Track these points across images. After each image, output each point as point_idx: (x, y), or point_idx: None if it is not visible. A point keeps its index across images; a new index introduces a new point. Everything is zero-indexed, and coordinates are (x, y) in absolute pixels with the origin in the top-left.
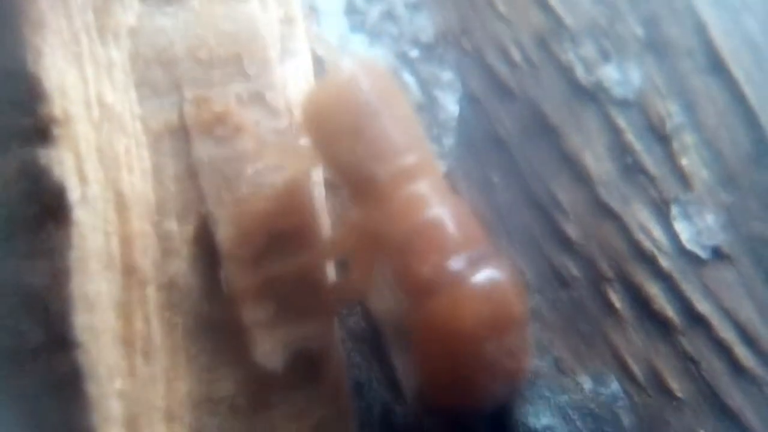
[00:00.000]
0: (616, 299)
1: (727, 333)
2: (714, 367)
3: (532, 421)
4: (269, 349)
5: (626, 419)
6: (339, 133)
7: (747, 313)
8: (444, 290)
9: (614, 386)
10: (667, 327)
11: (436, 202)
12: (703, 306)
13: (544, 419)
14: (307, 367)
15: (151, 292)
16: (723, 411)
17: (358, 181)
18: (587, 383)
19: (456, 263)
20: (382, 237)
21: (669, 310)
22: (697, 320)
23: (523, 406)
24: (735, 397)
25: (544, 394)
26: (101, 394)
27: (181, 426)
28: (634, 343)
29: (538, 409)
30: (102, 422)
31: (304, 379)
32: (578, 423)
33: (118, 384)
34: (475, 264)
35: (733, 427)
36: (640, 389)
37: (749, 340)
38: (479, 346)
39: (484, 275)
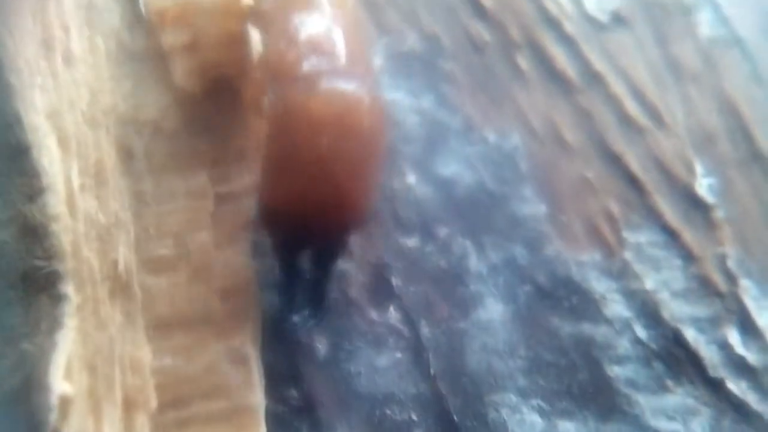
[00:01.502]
0: (523, 62)
1: (619, 89)
2: (605, 119)
3: (441, 170)
4: (188, 71)
5: (524, 165)
6: None
7: (638, 71)
8: (298, 84)
9: (515, 139)
10: (567, 86)
11: (326, 8)
12: (600, 66)
13: (452, 167)
14: (227, 96)
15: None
16: (608, 156)
17: None
18: (492, 137)
19: (320, 62)
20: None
21: (570, 70)
22: (594, 78)
23: (432, 158)
24: (620, 143)
25: (453, 147)
26: (23, 84)
27: (107, 135)
28: (536, 101)
29: (447, 159)
30: (26, 110)
31: (224, 107)
32: (481, 170)
33: (39, 80)
34: (339, 74)
35: (615, 168)
36: (539, 141)
37: (638, 94)
38: (317, 148)
39: (344, 85)
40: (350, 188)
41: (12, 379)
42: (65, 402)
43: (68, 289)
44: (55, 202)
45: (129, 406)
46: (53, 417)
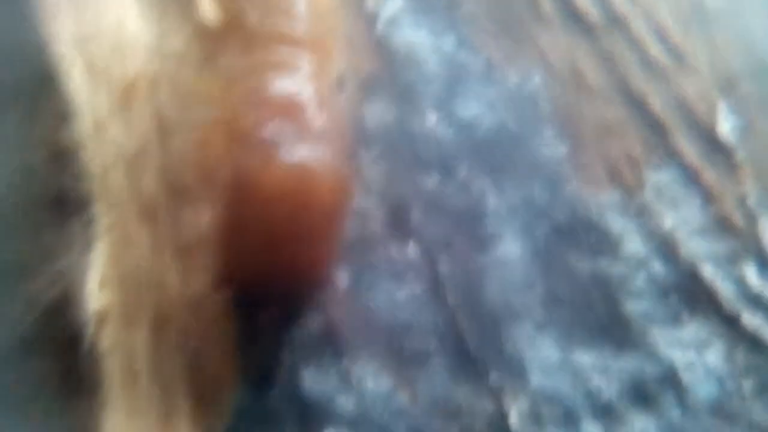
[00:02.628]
0: (546, 4)
1: (642, 30)
2: (628, 61)
3: (461, 110)
4: (211, 4)
5: (545, 107)
6: None
7: (662, 12)
8: (255, 151)
9: (537, 80)
10: (590, 27)
11: (298, 75)
12: (623, 7)
13: (472, 108)
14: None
15: None
16: (630, 97)
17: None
18: (513, 78)
19: (282, 128)
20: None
21: (593, 11)
22: (617, 20)
23: (452, 99)
24: (642, 85)
25: (474, 88)
26: (50, 12)
27: (132, 63)
28: (558, 43)
29: (467, 100)
30: (53, 38)
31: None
32: (502, 111)
33: (65, 8)
34: (302, 142)
35: (637, 109)
36: (560, 82)
37: (661, 36)
38: (268, 221)
39: (306, 154)
40: (301, 260)
41: (50, 293)
42: (100, 316)
43: (98, 211)
44: (83, 128)
45: (159, 323)
46: (90, 329)
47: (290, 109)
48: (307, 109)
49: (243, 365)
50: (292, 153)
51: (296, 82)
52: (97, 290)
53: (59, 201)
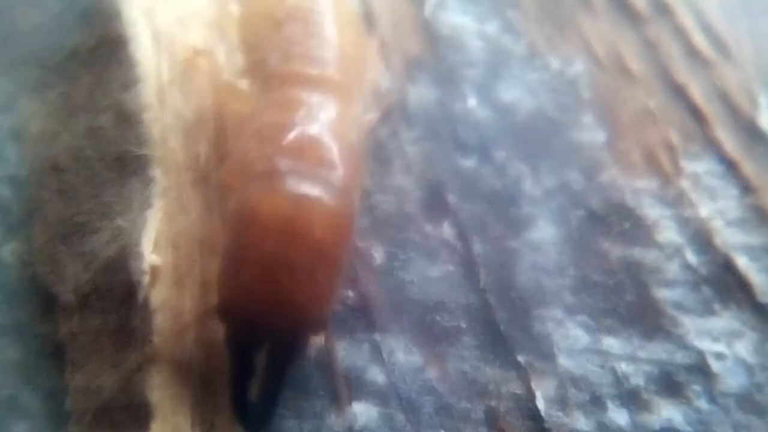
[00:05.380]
0: None
1: (687, 20)
2: (671, 50)
3: (502, 94)
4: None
5: (586, 93)
6: (263, 25)
7: (708, 3)
8: (257, 182)
9: (579, 66)
10: (634, 15)
11: (316, 113)
12: None
13: (513, 93)
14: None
15: None
16: (671, 86)
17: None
18: (555, 64)
19: (287, 164)
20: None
21: (638, 0)
22: (662, 9)
23: (494, 83)
24: (684, 74)
25: (515, 73)
26: None
27: (193, 35)
28: (602, 30)
29: (508, 84)
30: (125, 6)
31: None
32: (542, 96)
33: None
34: (303, 177)
35: (677, 99)
36: (602, 69)
37: (706, 26)
38: (262, 250)
39: (307, 190)
40: (296, 294)
41: (108, 249)
42: (155, 271)
43: (156, 173)
44: (147, 93)
45: (206, 286)
46: (146, 281)
47: (300, 147)
48: (318, 148)
49: None
50: (295, 187)
51: (311, 121)
52: (151, 249)
53: (121, 162)
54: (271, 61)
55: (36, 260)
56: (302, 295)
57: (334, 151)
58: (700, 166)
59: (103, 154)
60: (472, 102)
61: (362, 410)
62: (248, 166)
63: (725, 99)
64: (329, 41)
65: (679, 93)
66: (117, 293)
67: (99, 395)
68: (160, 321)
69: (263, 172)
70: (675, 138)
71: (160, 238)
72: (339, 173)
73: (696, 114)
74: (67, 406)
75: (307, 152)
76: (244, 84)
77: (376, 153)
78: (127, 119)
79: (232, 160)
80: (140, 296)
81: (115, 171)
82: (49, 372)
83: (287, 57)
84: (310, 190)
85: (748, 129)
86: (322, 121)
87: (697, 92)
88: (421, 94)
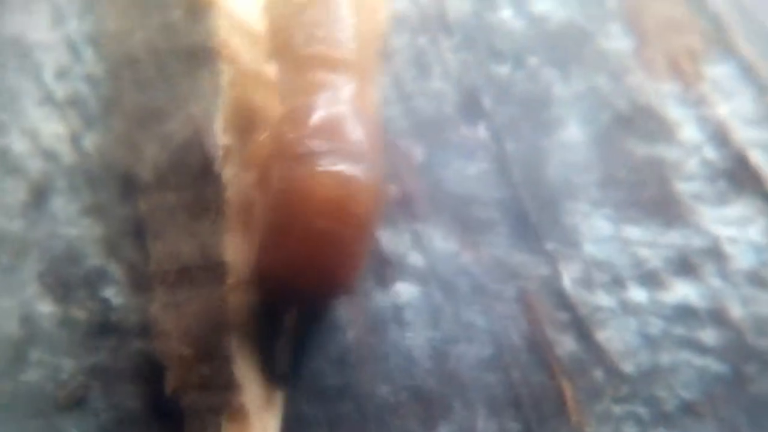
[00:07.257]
0: None
1: None
2: None
3: (534, 5)
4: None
5: (613, 4)
6: (288, 8)
7: None
8: (301, 163)
9: None
10: None
11: (339, 95)
12: None
13: (545, 3)
14: None
15: None
16: None
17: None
18: None
19: (323, 144)
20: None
21: None
22: None
23: None
24: None
25: None
26: None
27: None
28: None
29: None
30: None
31: None
32: (573, 7)
33: None
34: (342, 156)
35: (698, 7)
36: None
37: None
38: (311, 228)
39: (347, 169)
40: (339, 265)
41: (183, 132)
42: (226, 150)
43: (224, 66)
44: None
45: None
46: (216, 163)
47: (330, 128)
48: (346, 128)
49: None
50: (336, 166)
51: (338, 102)
52: (221, 132)
53: (192, 54)
54: (296, 43)
55: (116, 146)
56: (345, 266)
57: (360, 130)
58: (719, 70)
59: (175, 47)
60: (506, 13)
61: (404, 289)
62: (285, 148)
63: (742, 7)
64: (349, 24)
65: (700, 2)
66: (192, 170)
67: (179, 259)
68: (231, 195)
69: (302, 154)
70: (697, 44)
71: (228, 123)
72: (367, 150)
73: (717, 21)
74: (151, 268)
75: (338, 133)
76: (269, 69)
77: (417, 59)
78: (197, 14)
79: (265, 143)
80: (216, 170)
81: (187, 63)
82: (132, 246)
83: (311, 40)
84: (349, 168)
85: (766, 34)
86: (348, 101)
87: (718, 1)
88: (459, 5)
